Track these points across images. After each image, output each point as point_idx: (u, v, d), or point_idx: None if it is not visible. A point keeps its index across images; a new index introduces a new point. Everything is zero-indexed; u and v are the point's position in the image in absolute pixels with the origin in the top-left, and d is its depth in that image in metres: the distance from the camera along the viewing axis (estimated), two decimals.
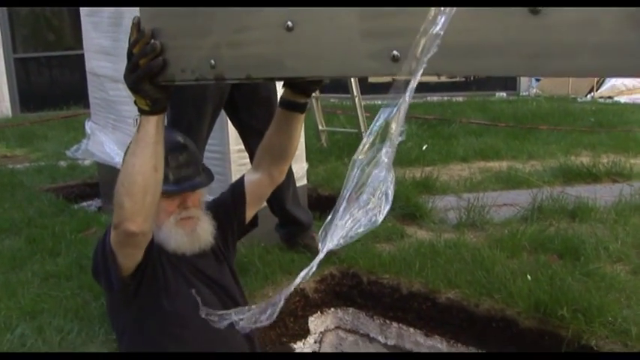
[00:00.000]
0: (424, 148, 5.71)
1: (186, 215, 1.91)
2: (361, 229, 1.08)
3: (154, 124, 1.50)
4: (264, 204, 2.44)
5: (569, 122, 7.23)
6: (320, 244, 1.11)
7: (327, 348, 3.13)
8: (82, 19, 4.71)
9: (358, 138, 5.93)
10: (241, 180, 2.11)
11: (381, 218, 1.07)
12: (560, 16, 0.81)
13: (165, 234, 1.85)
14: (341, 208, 1.08)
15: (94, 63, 4.65)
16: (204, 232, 1.98)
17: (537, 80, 11.36)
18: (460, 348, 2.70)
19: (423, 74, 0.96)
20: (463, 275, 2.83)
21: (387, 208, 1.06)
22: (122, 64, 4.50)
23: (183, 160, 1.86)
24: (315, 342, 3.04)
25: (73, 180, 5.31)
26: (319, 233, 1.11)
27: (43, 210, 4.08)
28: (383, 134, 1.02)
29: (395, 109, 0.98)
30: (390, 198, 1.06)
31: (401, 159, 5.16)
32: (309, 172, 4.19)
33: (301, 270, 3.11)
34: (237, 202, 2.11)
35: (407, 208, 3.84)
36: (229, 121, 3.22)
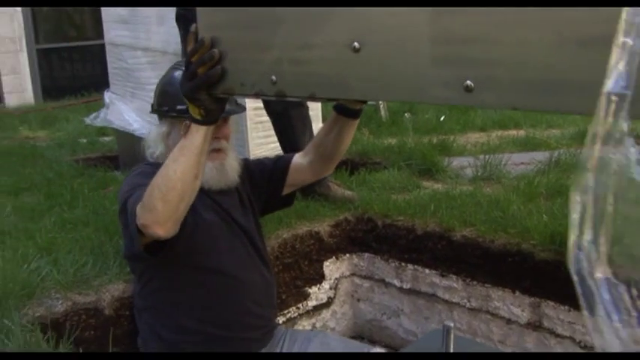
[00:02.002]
0: (442, 118, 5.67)
1: (217, 147, 1.92)
2: None
3: (202, 134, 1.49)
4: None
5: None
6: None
7: (342, 295, 3.12)
8: None
9: (376, 111, 5.92)
10: (289, 158, 2.13)
11: None
12: None
13: None
14: None
15: (113, 33, 4.70)
16: (231, 168, 1.99)
17: None
18: (476, 286, 2.68)
19: (500, 107, 0.89)
20: (478, 216, 2.80)
21: None
22: (139, 32, 4.52)
23: None
24: (331, 288, 3.04)
25: (93, 153, 5.36)
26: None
27: (62, 173, 4.12)
28: None
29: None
30: None
31: (418, 128, 5.12)
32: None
33: (316, 216, 3.08)
34: (276, 172, 2.13)
35: (423, 164, 3.82)
36: None
